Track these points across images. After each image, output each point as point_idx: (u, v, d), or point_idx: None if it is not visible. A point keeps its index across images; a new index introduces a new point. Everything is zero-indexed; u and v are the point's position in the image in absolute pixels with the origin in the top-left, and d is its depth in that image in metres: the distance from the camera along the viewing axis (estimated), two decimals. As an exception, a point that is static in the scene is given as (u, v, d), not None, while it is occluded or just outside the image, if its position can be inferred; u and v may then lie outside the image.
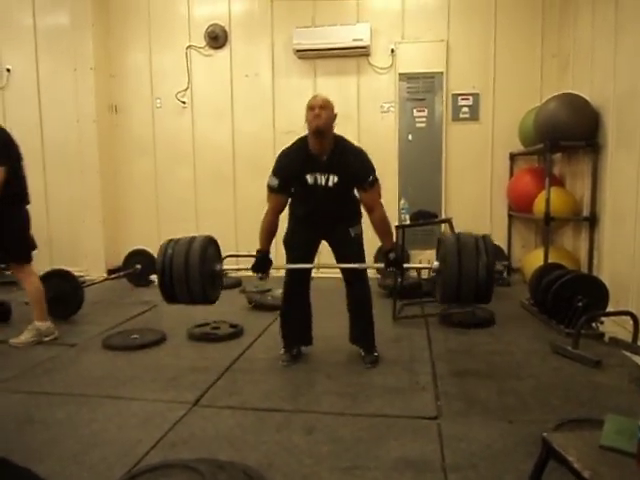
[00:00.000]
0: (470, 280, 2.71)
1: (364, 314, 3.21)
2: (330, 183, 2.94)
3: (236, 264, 6.04)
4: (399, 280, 4.19)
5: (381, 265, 3.07)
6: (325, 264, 3.32)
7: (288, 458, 2.12)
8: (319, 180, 2.94)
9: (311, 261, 3.20)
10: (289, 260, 3.16)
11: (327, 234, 3.14)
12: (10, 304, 4.28)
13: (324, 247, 3.23)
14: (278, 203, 2.99)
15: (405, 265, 3.06)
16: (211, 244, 3.05)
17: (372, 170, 2.96)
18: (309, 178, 2.95)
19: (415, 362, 3.21)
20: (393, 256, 2.96)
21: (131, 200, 6.32)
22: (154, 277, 3.00)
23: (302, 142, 2.98)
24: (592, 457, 1.42)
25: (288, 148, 3.04)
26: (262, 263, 3.00)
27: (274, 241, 3.08)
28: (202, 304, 3.03)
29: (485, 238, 2.82)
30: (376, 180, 2.97)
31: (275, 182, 2.95)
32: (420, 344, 3.55)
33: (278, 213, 3.01)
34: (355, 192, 3.05)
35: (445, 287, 2.82)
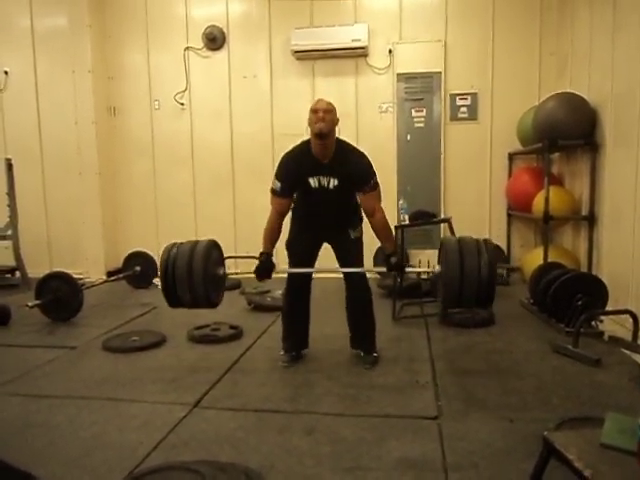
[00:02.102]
0: (472, 281, 2.72)
1: (365, 316, 3.21)
2: (331, 185, 2.96)
3: (235, 265, 6.06)
4: (398, 280, 4.19)
5: (383, 269, 3.07)
6: (325, 268, 3.32)
7: (289, 459, 2.11)
8: (322, 182, 2.96)
9: (312, 265, 3.21)
10: (291, 263, 3.18)
11: (328, 237, 3.16)
12: (10, 308, 4.27)
13: (324, 250, 3.24)
14: (282, 206, 3.00)
15: (406, 269, 3.06)
16: (214, 248, 3.07)
17: (373, 174, 2.97)
18: (312, 181, 2.96)
19: (415, 362, 3.21)
20: (394, 260, 2.98)
21: (130, 202, 6.32)
22: (157, 281, 3.01)
23: (304, 145, 2.99)
24: (593, 455, 1.42)
25: (291, 151, 3.04)
26: (265, 266, 2.99)
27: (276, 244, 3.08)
28: (205, 307, 3.04)
29: (486, 241, 2.85)
30: (377, 184, 2.98)
31: (278, 185, 2.97)
32: (420, 344, 3.55)
33: (282, 216, 3.02)
34: (356, 197, 3.06)
35: (447, 289, 2.82)
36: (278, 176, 2.98)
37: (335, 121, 2.93)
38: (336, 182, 2.94)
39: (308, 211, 3.09)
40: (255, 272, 3.01)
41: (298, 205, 3.10)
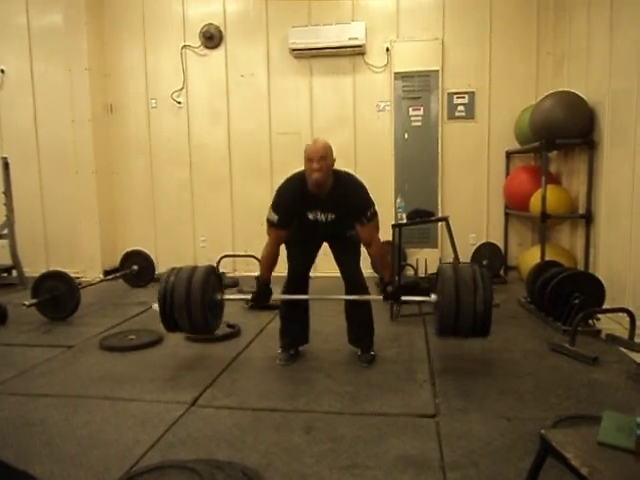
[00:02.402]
0: (467, 315, 2.77)
1: (362, 315, 3.22)
2: (329, 219, 3.00)
3: (233, 263, 6.06)
4: (397, 279, 4.20)
5: (379, 297, 3.10)
6: (321, 296, 3.35)
7: (287, 458, 2.11)
8: (319, 217, 3.01)
9: (312, 260, 3.24)
10: (290, 258, 3.20)
11: (327, 238, 3.19)
12: (7, 306, 4.26)
13: (323, 252, 3.26)
14: (278, 237, 3.02)
15: (403, 297, 3.09)
16: (212, 274, 3.14)
17: (370, 206, 2.95)
18: (309, 215, 3.00)
19: (413, 360, 3.22)
20: (391, 289, 3.02)
21: (127, 200, 6.30)
22: (156, 306, 3.06)
23: (300, 180, 2.94)
24: (590, 454, 1.42)
25: (287, 184, 3.02)
26: (263, 294, 3.05)
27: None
28: (203, 333, 3.11)
29: (483, 271, 2.88)
30: (374, 215, 2.97)
31: (275, 218, 2.97)
32: (418, 343, 3.55)
33: (279, 245, 3.05)
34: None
35: (442, 320, 2.87)
36: (275, 209, 2.98)
37: (331, 165, 2.88)
38: (333, 216, 2.99)
39: (305, 235, 3.12)
40: (252, 299, 3.09)
41: (295, 231, 3.10)
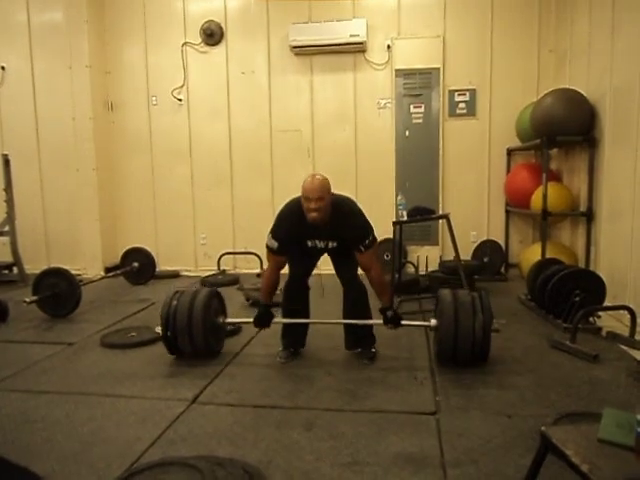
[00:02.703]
0: (466, 341, 2.81)
1: (362, 314, 3.21)
2: (329, 246, 3.05)
3: (233, 260, 6.06)
4: (397, 276, 4.20)
5: (380, 321, 3.11)
6: (322, 320, 3.36)
7: (288, 455, 2.12)
8: (318, 245, 3.05)
9: (313, 265, 3.28)
10: (290, 263, 3.21)
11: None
12: (7, 303, 4.26)
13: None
14: (278, 263, 3.07)
15: (403, 322, 3.10)
16: (214, 297, 3.22)
17: (369, 233, 2.97)
18: (309, 243, 3.05)
19: (413, 358, 3.22)
20: (391, 314, 3.05)
21: (128, 198, 6.31)
22: (159, 329, 3.09)
23: (299, 208, 2.91)
24: (590, 451, 1.42)
25: (286, 210, 3.03)
26: (265, 317, 3.12)
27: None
28: (205, 356, 3.16)
29: (482, 296, 2.91)
30: (373, 241, 3.00)
31: (275, 245, 2.99)
32: (418, 340, 3.55)
33: (279, 270, 3.10)
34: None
35: (441, 345, 2.91)
36: (275, 236, 2.99)
37: (328, 202, 2.85)
38: (335, 244, 3.03)
39: (306, 255, 3.15)
40: (254, 322, 3.14)
41: (295, 255, 3.13)
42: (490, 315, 2.86)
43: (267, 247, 3.05)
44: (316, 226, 2.92)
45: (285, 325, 3.30)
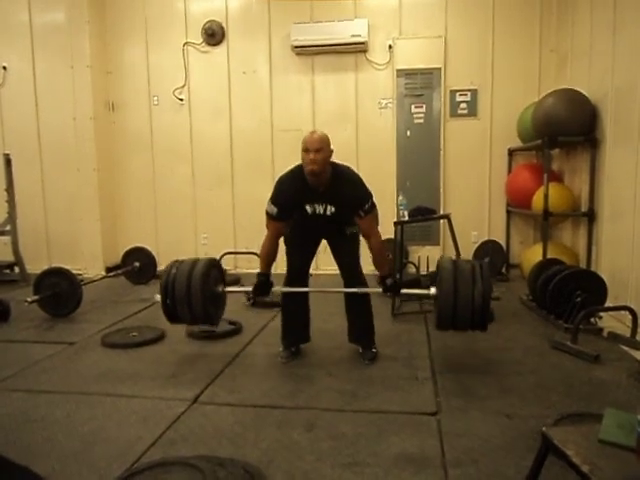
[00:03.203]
0: (466, 309, 2.77)
1: (362, 312, 3.22)
2: (328, 212, 2.99)
3: (234, 260, 6.06)
4: (399, 276, 4.20)
5: (379, 290, 3.11)
6: (322, 289, 3.36)
7: (288, 455, 2.12)
8: (317, 210, 3.00)
9: (311, 255, 3.26)
10: (289, 254, 3.20)
11: (326, 234, 3.19)
12: (9, 303, 4.27)
13: (323, 249, 3.26)
14: (277, 230, 3.04)
15: (402, 290, 3.11)
16: (214, 266, 3.18)
17: (369, 198, 2.96)
18: (308, 208, 3.00)
19: (414, 358, 3.22)
20: (390, 282, 3.05)
21: (129, 197, 6.31)
22: (158, 297, 3.08)
23: (299, 172, 2.94)
24: (591, 451, 1.42)
25: (286, 176, 3.02)
26: (263, 286, 3.09)
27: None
28: (204, 324, 3.15)
29: (482, 265, 2.88)
30: (373, 207, 2.98)
31: (274, 210, 2.97)
32: (419, 340, 3.55)
33: (278, 238, 3.06)
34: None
35: (441, 312, 2.88)
36: (274, 201, 2.98)
37: (327, 157, 2.88)
38: (333, 209, 2.98)
39: (304, 231, 3.13)
40: (253, 291, 3.13)
41: (295, 225, 3.11)
42: (489, 284, 2.82)
43: (267, 214, 3.01)
44: (315, 188, 2.91)
45: (285, 322, 3.30)
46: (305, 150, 2.84)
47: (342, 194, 2.93)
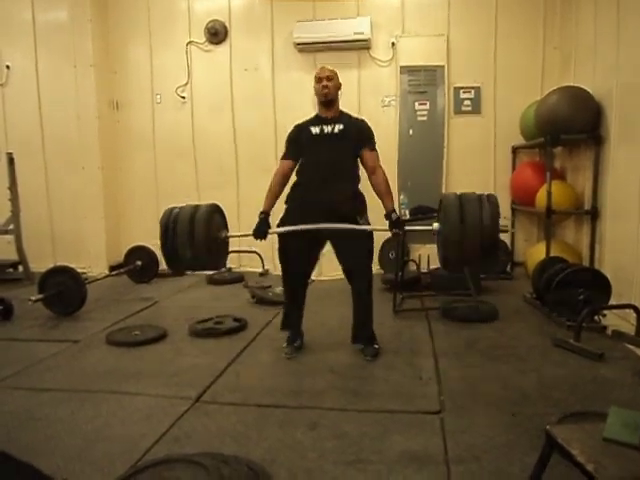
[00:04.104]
0: (474, 231, 2.67)
1: (362, 306, 3.22)
2: (336, 129, 3.14)
3: (238, 258, 6.06)
4: (399, 274, 4.21)
5: (384, 227, 3.11)
6: (320, 225, 3.22)
7: (291, 453, 2.12)
8: (325, 130, 3.15)
9: (310, 272, 3.32)
10: (284, 261, 3.24)
11: (329, 232, 3.11)
12: (12, 302, 4.28)
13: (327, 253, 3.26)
14: (284, 168, 3.21)
15: (407, 228, 3.20)
16: (216, 212, 3.18)
17: (373, 135, 3.21)
18: (315, 129, 3.17)
19: (417, 356, 3.21)
20: (395, 216, 3.11)
21: (132, 196, 6.30)
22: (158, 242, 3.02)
23: (312, 116, 3.27)
24: (595, 450, 1.41)
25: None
26: (262, 227, 3.12)
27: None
28: (207, 269, 3.12)
29: (489, 195, 2.88)
30: (376, 149, 3.19)
31: (286, 148, 3.22)
32: (422, 338, 3.55)
33: (284, 177, 3.21)
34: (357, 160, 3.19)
35: (447, 244, 2.76)
36: (286, 140, 3.25)
37: (338, 86, 3.21)
38: (342, 126, 3.14)
39: (308, 178, 3.16)
40: (253, 234, 3.15)
41: (299, 172, 3.21)
42: (497, 209, 2.76)
43: (280, 160, 3.24)
44: (325, 116, 3.17)
45: (287, 313, 3.33)
46: (318, 80, 3.15)
47: (350, 122, 3.19)
